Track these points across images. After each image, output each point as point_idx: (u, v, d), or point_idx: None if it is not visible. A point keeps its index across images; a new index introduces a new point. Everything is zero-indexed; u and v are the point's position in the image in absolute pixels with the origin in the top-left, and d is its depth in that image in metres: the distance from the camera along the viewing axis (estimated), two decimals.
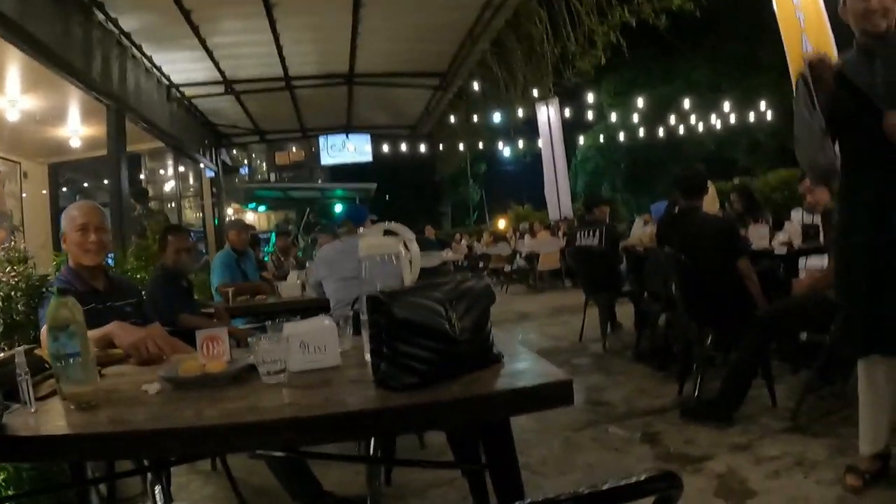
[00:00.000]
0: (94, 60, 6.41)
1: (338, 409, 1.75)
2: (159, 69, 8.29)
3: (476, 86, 10.68)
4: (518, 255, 16.33)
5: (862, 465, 3.36)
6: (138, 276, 5.69)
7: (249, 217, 26.47)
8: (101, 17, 6.51)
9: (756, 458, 3.88)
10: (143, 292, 4.33)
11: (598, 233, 7.64)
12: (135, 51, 7.50)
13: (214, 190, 12.37)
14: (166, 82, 8.77)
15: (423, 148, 21.10)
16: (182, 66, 8.38)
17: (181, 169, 13.69)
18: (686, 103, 27.88)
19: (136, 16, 6.84)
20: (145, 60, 7.83)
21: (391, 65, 8.88)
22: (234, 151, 26.58)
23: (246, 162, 28.51)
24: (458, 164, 17.59)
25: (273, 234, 23.87)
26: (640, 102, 27.60)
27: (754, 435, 4.23)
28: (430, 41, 8.02)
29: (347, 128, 11.98)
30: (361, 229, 5.80)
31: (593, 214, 8.12)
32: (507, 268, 16.64)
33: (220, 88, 9.28)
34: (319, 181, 31.95)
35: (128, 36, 7.13)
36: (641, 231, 8.83)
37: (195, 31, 7.20)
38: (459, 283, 1.96)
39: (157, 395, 2.03)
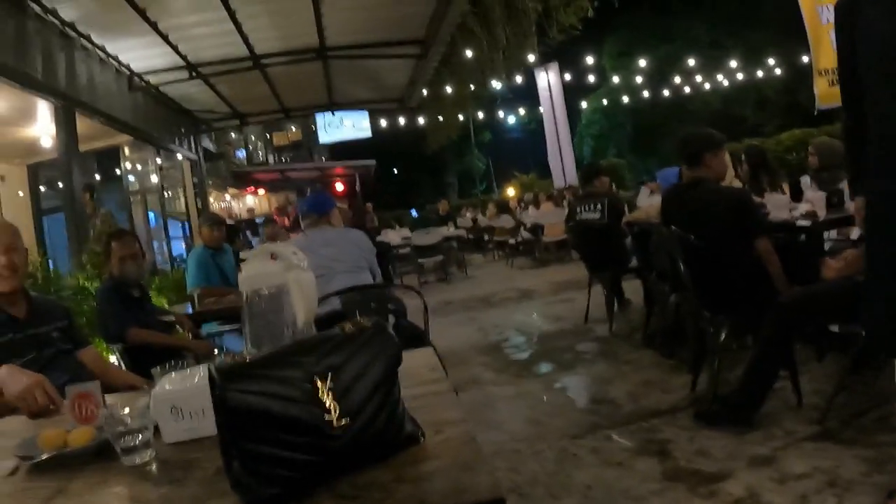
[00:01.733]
0: (31, 56, 5.85)
1: None
2: (116, 59, 7.76)
3: (467, 53, 9.91)
4: (522, 227, 15.68)
5: None
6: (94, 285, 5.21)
7: (249, 201, 25.99)
8: (35, 8, 5.94)
9: (780, 474, 3.27)
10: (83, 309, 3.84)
11: (599, 206, 7.00)
12: (83, 41, 6.95)
13: (196, 179, 11.78)
14: (126, 72, 8.22)
15: (421, 120, 20.46)
16: (140, 52, 7.86)
17: (159, 161, 13.07)
18: (689, 62, 27.05)
19: (75, 3, 6.28)
20: (98, 51, 7.29)
21: (365, 34, 8.27)
22: (232, 135, 26.15)
23: (244, 144, 28.03)
24: (447, 136, 16.93)
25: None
26: (642, 63, 26.81)
27: (778, 443, 3.62)
28: (403, 4, 7.41)
29: (331, 105, 11.35)
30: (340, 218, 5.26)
31: (592, 186, 7.40)
32: (512, 240, 16.00)
33: (185, 73, 8.75)
34: (322, 160, 31.42)
35: (71, 26, 6.59)
36: (648, 202, 8.17)
37: (142, 14, 6.67)
38: (343, 340, 1.34)
39: (6, 479, 1.58)
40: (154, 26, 6.97)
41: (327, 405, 1.22)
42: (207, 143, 13.58)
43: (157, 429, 1.64)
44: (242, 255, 7.58)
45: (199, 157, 11.54)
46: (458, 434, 1.39)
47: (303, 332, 1.72)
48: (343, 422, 1.22)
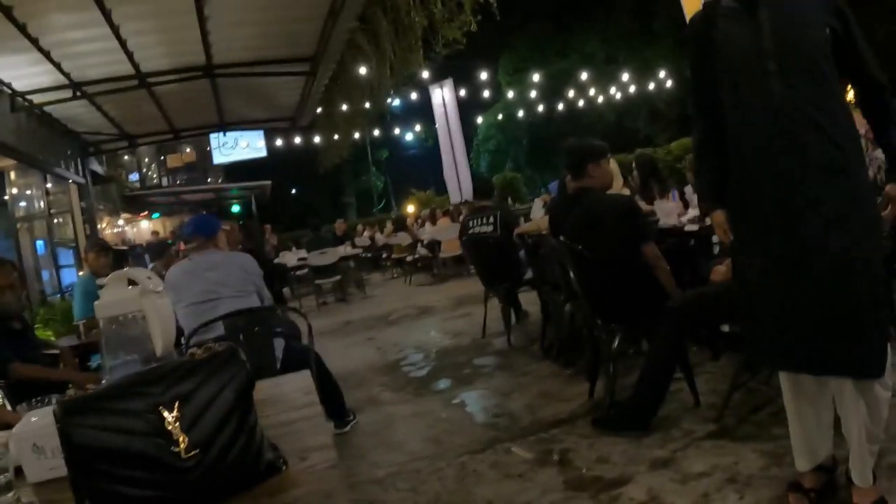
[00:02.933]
0: None
1: None
2: None
3: (359, 70, 9.78)
4: (420, 244, 15.61)
5: (805, 483, 2.79)
6: None
7: (144, 226, 25.23)
8: None
9: (681, 475, 3.29)
10: None
11: (492, 219, 6.99)
12: None
13: (84, 204, 11.27)
14: (8, 91, 7.79)
15: (317, 139, 20.28)
16: (22, 71, 7.46)
17: (47, 185, 12.43)
18: (584, 77, 27.68)
19: None
20: None
21: (253, 52, 8.08)
22: (126, 158, 25.30)
23: (137, 167, 27.22)
24: (339, 155, 16.73)
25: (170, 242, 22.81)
26: (537, 78, 27.30)
27: (677, 444, 3.64)
28: (291, 21, 7.26)
29: (223, 125, 11.03)
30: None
31: (485, 200, 7.43)
32: (410, 258, 15.90)
33: (69, 93, 8.35)
34: (219, 181, 30.73)
35: None
36: (541, 214, 8.22)
37: (22, 30, 6.32)
38: (193, 367, 1.21)
39: None
40: (35, 43, 6.63)
41: (175, 436, 1.09)
42: (96, 166, 12.98)
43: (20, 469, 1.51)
44: (99, 281, 7.26)
45: (87, 180, 11.03)
46: (322, 461, 1.29)
47: (162, 359, 1.58)
48: (193, 453, 1.10)
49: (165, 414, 1.10)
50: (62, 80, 7.99)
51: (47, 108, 8.94)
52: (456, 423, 4.84)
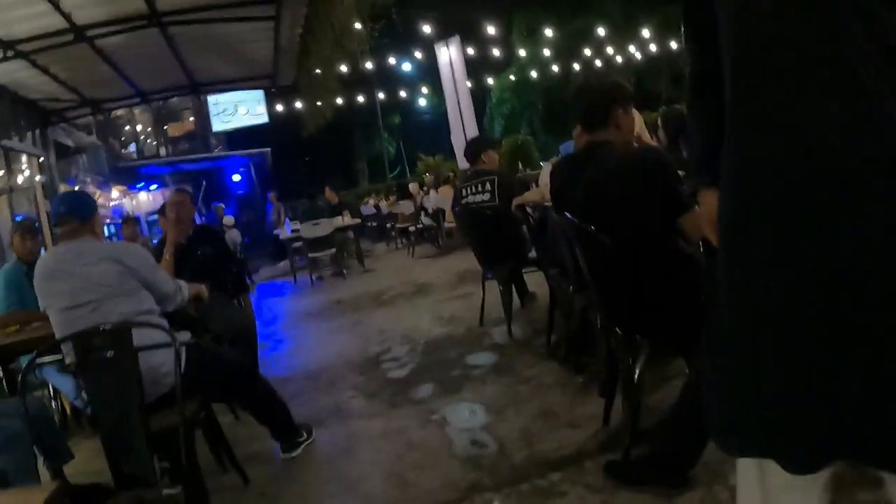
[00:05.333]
0: None
1: None
2: None
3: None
4: (423, 213, 14.43)
5: None
6: None
7: (142, 198, 24.27)
8: None
9: None
10: None
11: (488, 186, 5.83)
12: None
13: (44, 178, 10.13)
14: None
15: (299, 104, 19.26)
16: None
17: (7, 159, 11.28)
18: (601, 35, 26.15)
19: None
20: None
21: None
22: (127, 128, 24.26)
23: (138, 139, 26.31)
24: (323, 116, 15.37)
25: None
26: (552, 37, 25.85)
27: None
28: None
29: (195, 87, 9.81)
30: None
31: (479, 163, 6.18)
32: (413, 227, 14.75)
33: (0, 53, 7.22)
34: (220, 150, 29.59)
35: None
36: (546, 181, 7.01)
37: None
38: None
39: None
40: None
41: None
42: (63, 137, 11.83)
43: None
44: None
45: (48, 153, 9.91)
46: None
47: None
48: None
49: None
50: None
51: None
52: (430, 452, 3.72)
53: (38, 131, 9.78)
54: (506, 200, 5.67)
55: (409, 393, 4.86)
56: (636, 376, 2.92)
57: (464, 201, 5.95)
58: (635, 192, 2.89)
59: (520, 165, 15.75)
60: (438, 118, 42.78)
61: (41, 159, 9.95)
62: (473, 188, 5.87)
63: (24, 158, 10.05)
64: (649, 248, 2.88)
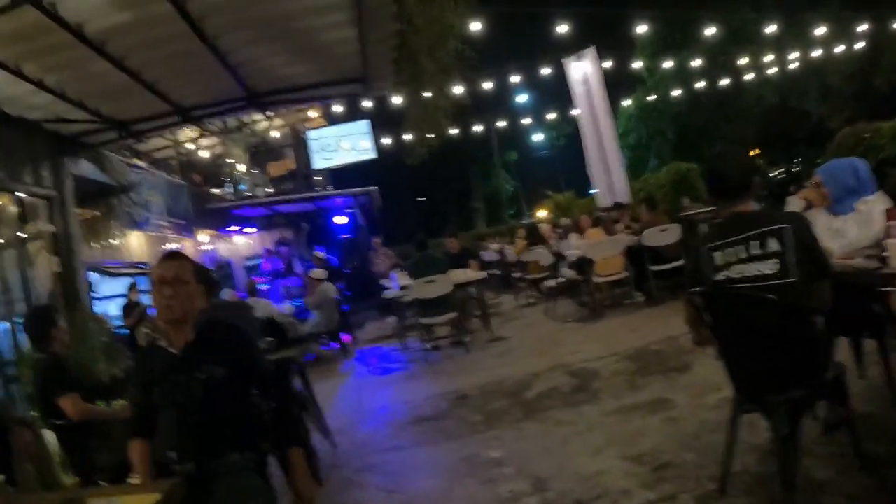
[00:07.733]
0: None
1: None
2: None
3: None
4: (560, 262, 11.44)
5: None
6: None
7: (237, 241, 22.21)
8: None
9: None
10: None
11: (774, 245, 2.92)
12: None
13: (53, 227, 7.47)
14: None
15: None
16: None
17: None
18: (737, 53, 22.84)
19: None
20: None
21: None
22: (225, 168, 22.49)
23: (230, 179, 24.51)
24: (428, 144, 12.66)
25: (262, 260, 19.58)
26: (681, 59, 22.74)
27: None
28: None
29: (252, 97, 7.05)
30: None
31: (741, 201, 3.16)
32: (552, 282, 11.78)
33: None
34: (327, 189, 27.50)
35: None
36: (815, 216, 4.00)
37: None
38: None
39: None
40: None
41: None
42: (94, 172, 9.21)
43: None
44: None
45: (60, 191, 7.36)
46: None
47: None
48: None
49: None
50: None
51: None
52: None
53: (53, 165, 7.30)
54: (806, 271, 2.78)
55: None
56: None
57: (721, 275, 3.04)
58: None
59: (686, 201, 12.45)
60: (556, 153, 40.11)
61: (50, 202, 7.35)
62: (743, 250, 2.95)
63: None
64: None
